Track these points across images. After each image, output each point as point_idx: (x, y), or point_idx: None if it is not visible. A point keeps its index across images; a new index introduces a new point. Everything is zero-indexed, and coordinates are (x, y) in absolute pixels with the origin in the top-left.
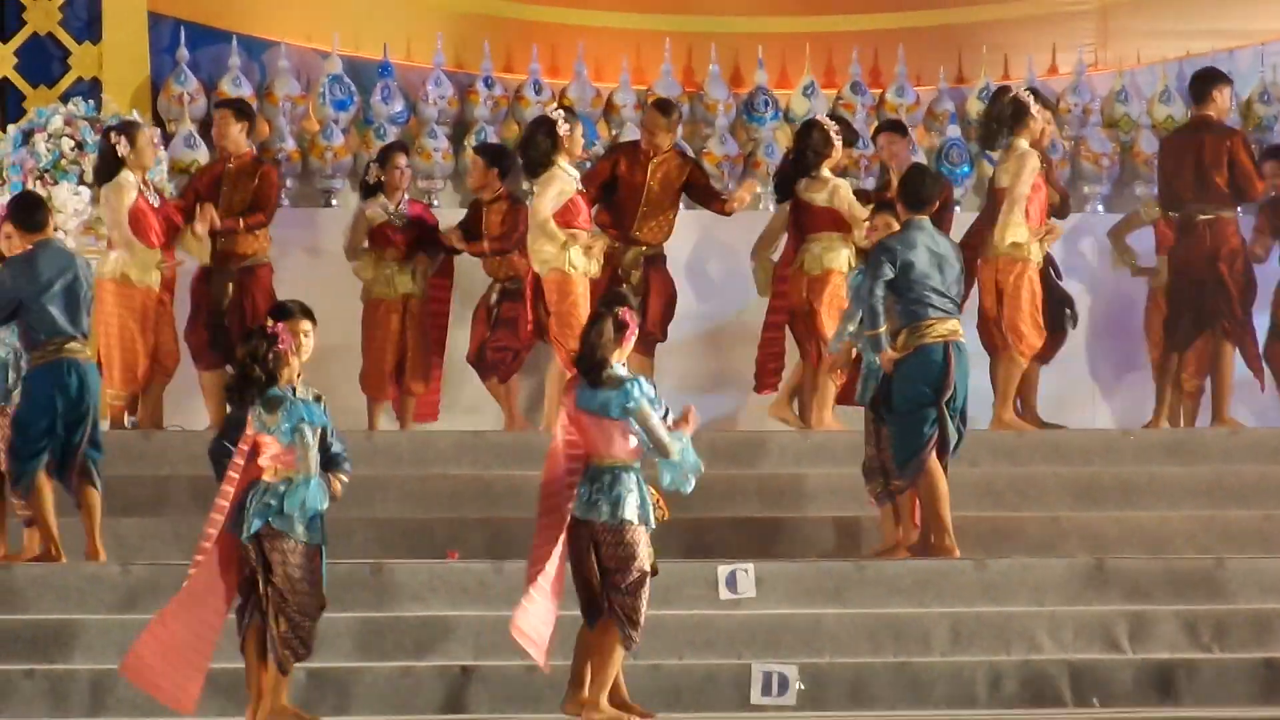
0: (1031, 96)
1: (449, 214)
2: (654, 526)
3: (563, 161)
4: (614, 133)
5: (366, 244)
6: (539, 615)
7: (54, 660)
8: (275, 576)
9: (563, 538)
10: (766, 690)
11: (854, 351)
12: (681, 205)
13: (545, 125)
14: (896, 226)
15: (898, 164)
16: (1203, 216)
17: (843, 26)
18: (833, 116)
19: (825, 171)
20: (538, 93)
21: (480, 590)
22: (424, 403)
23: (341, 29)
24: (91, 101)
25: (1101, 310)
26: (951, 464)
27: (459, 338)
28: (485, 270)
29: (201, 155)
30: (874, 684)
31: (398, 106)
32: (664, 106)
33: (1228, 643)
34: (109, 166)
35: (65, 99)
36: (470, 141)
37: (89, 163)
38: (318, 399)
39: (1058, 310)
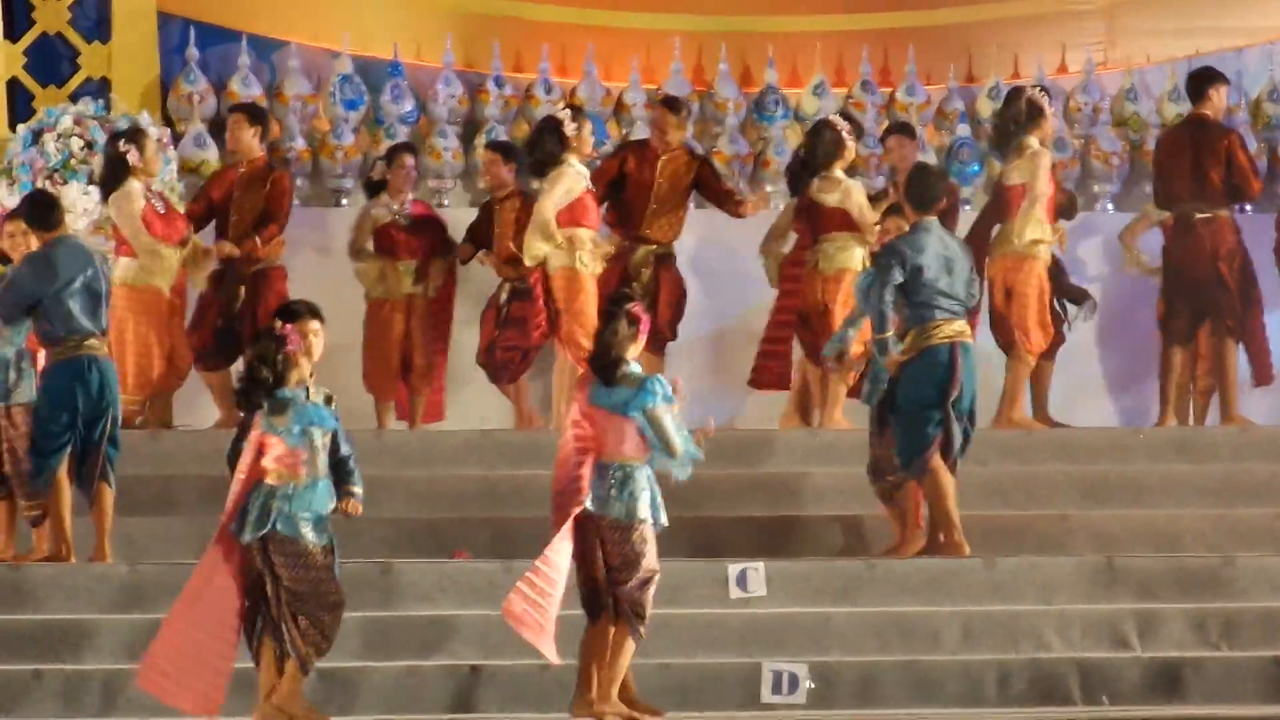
0: (1040, 94)
1: (459, 214)
2: (665, 525)
3: (572, 160)
4: (624, 132)
5: (370, 244)
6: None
7: (63, 660)
8: (284, 579)
9: (568, 528)
10: (776, 689)
11: (863, 349)
12: (691, 204)
13: (551, 126)
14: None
15: (906, 166)
16: (1199, 215)
17: (853, 25)
18: (844, 116)
19: (838, 172)
20: (548, 92)
21: (488, 590)
22: (429, 403)
23: (351, 28)
24: (101, 101)
25: (1110, 309)
26: (960, 463)
27: (466, 337)
28: (495, 270)
29: (211, 155)
30: (883, 682)
31: (408, 106)
32: (673, 104)
33: (1237, 641)
34: (116, 174)
35: (74, 99)
36: (480, 141)
37: (98, 162)
38: (329, 400)
39: (1062, 308)
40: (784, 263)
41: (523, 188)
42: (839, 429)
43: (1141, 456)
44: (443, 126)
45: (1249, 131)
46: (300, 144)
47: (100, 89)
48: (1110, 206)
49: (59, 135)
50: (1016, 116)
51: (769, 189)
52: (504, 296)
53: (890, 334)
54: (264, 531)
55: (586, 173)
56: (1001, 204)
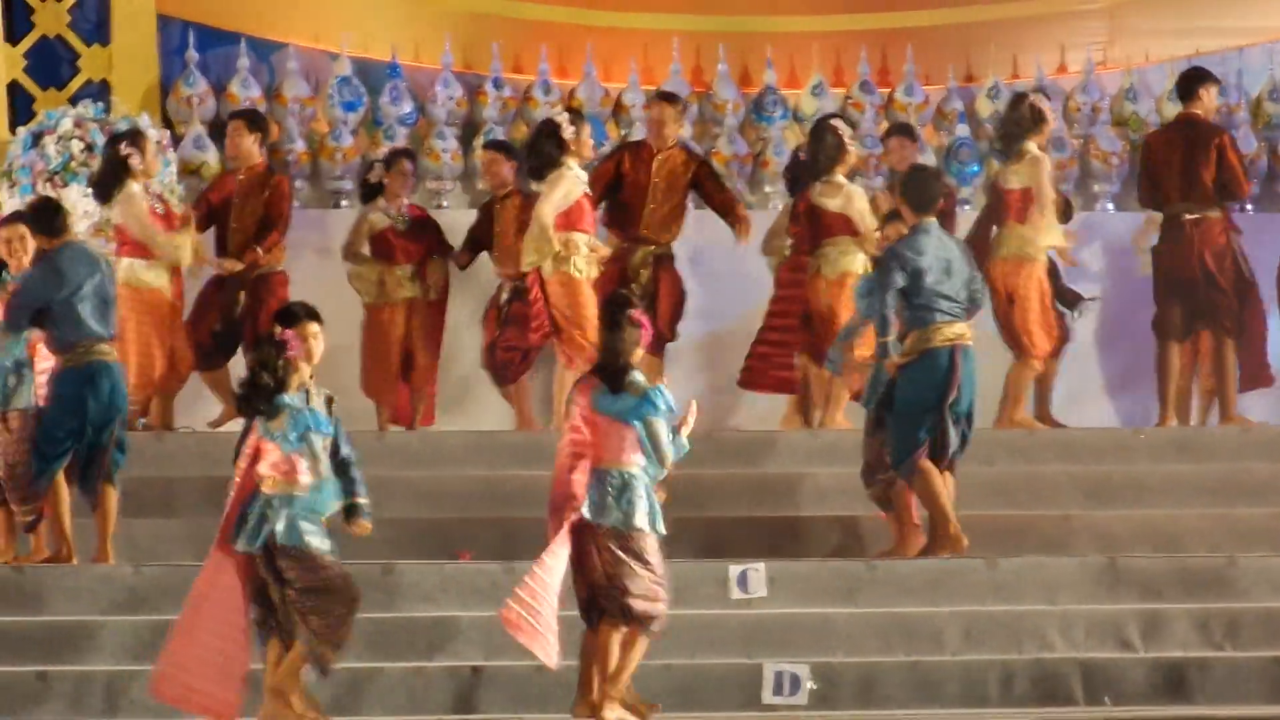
0: (1042, 99)
1: (458, 216)
2: (664, 534)
3: (571, 163)
4: (623, 133)
5: (366, 248)
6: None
7: (67, 662)
8: (294, 582)
9: (564, 534)
10: (778, 690)
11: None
12: (690, 204)
13: (550, 129)
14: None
15: (906, 168)
16: (1189, 216)
17: (851, 26)
18: (842, 118)
19: (839, 177)
20: (546, 93)
21: (491, 591)
22: (404, 411)
23: (350, 30)
24: (101, 104)
25: (1110, 310)
26: (962, 463)
27: (466, 339)
28: (495, 271)
29: (211, 157)
30: (885, 683)
31: (406, 108)
32: (670, 96)
33: (1240, 641)
34: (117, 176)
35: (74, 101)
36: (479, 143)
37: (98, 165)
38: (330, 401)
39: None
40: (781, 267)
41: (522, 186)
42: (840, 429)
43: (1143, 456)
44: (441, 128)
45: (1250, 131)
46: (299, 146)
47: (100, 91)
48: (1110, 206)
49: (59, 138)
50: (1020, 121)
51: (768, 189)
52: (504, 296)
53: (892, 338)
54: (261, 543)
55: (585, 177)
56: (1000, 207)
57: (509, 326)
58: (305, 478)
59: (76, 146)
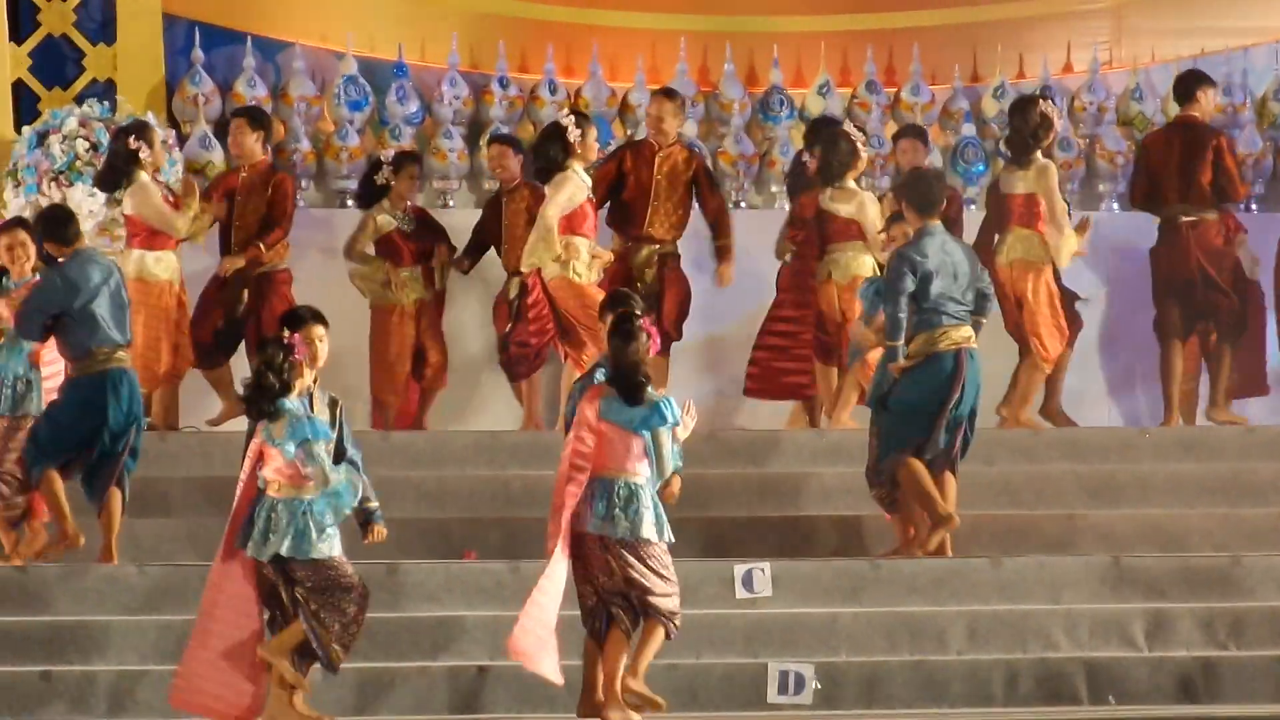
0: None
1: (464, 215)
2: (672, 541)
3: (576, 166)
4: (629, 132)
5: (371, 249)
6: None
7: (71, 662)
8: (304, 581)
9: (562, 547)
10: (783, 689)
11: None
12: (694, 203)
13: (556, 132)
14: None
15: None
16: (1186, 218)
17: (857, 25)
18: (850, 122)
19: (851, 183)
20: (553, 93)
21: (496, 590)
22: (405, 414)
23: (356, 29)
24: (106, 103)
25: (1113, 311)
26: (966, 463)
27: (473, 338)
28: (504, 266)
29: (216, 156)
30: (890, 683)
31: (413, 107)
32: (667, 91)
33: (1245, 640)
34: (126, 168)
35: (80, 100)
36: (485, 141)
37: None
38: (334, 403)
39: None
40: (784, 270)
41: (530, 179)
42: (846, 429)
43: (1148, 456)
44: (448, 127)
45: (1255, 130)
46: (305, 145)
47: (105, 91)
48: (1115, 206)
49: (64, 137)
50: (1031, 128)
51: (774, 189)
52: (513, 292)
53: (901, 342)
54: (269, 556)
55: (589, 181)
56: (1003, 212)
57: (520, 322)
58: (314, 481)
59: (81, 146)
